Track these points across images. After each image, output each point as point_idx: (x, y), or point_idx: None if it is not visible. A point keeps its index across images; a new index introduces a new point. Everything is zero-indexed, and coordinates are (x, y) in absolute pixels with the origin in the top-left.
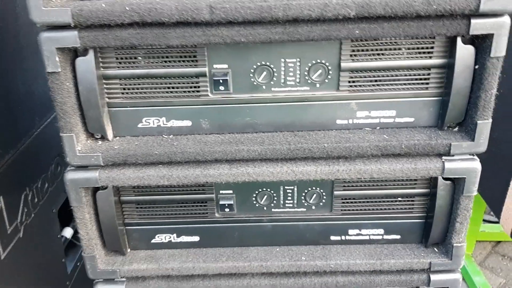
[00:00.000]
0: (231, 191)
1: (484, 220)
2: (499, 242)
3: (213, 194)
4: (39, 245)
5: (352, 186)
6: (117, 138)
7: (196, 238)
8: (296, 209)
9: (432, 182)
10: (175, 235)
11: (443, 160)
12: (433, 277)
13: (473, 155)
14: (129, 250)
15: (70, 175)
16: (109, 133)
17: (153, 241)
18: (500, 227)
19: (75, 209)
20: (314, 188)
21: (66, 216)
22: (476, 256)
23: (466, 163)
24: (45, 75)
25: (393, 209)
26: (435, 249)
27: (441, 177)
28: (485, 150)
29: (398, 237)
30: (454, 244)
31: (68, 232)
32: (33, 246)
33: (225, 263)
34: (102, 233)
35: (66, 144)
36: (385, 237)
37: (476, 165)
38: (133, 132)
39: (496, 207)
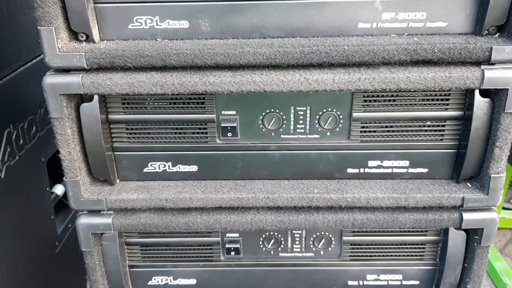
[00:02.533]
0: (234, 112)
1: (504, 208)
2: None
3: (213, 114)
4: (23, 193)
5: (374, 105)
6: (105, 41)
7: (194, 168)
8: (308, 136)
9: (467, 101)
10: (170, 163)
11: (482, 68)
12: (466, 216)
13: None
14: (118, 180)
15: (49, 79)
16: (95, 33)
17: (145, 170)
18: None
19: (55, 121)
20: (329, 110)
21: (59, 173)
22: (495, 243)
23: (509, 71)
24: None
25: (421, 136)
26: (468, 184)
27: (478, 92)
28: None
29: (425, 170)
30: (492, 175)
31: (59, 189)
32: (16, 191)
33: (226, 194)
34: (87, 157)
35: (44, 40)
36: (410, 170)
37: None
38: (123, 34)
39: None
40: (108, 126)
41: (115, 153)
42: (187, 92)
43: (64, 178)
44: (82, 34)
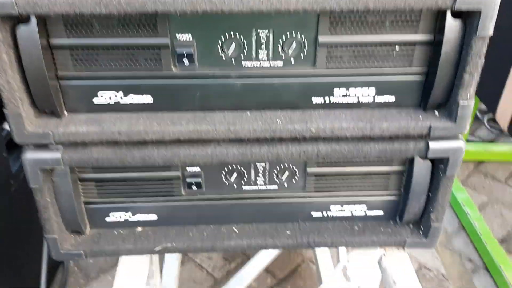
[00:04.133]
0: (190, 36)
1: (467, 140)
2: (482, 162)
3: (167, 38)
4: None
5: (341, 29)
6: None
7: (148, 99)
8: (271, 62)
9: (438, 24)
10: (121, 93)
11: None
12: (432, 144)
13: None
14: (66, 112)
15: None
16: None
17: (95, 100)
18: (484, 146)
19: None
20: (294, 33)
21: None
22: (458, 175)
23: None
24: None
25: (388, 62)
26: (435, 112)
27: (450, 13)
28: None
29: (392, 98)
30: (461, 102)
31: None
32: None
33: (184, 126)
34: (29, 86)
35: None
36: (377, 98)
37: None
38: None
39: (491, 101)
40: (50, 52)
41: (60, 81)
42: (135, 12)
43: (4, 110)
44: None
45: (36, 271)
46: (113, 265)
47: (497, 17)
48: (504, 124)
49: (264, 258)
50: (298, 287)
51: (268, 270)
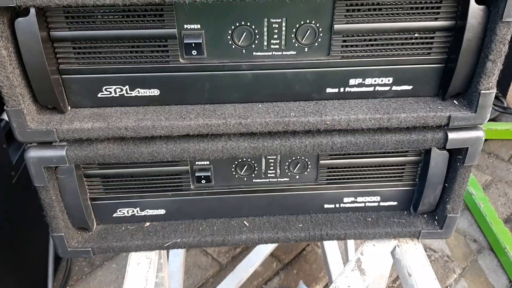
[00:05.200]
0: (198, 26)
1: None
2: (486, 140)
3: (174, 29)
4: None
5: (358, 16)
6: None
7: (155, 92)
8: (283, 52)
9: (460, 9)
10: (127, 87)
11: None
12: (451, 135)
13: None
14: (69, 107)
15: None
16: None
17: (100, 95)
18: (487, 125)
19: None
20: (308, 21)
21: None
22: None
23: None
24: None
25: (407, 50)
26: (454, 101)
27: (473, 1)
28: None
29: (410, 87)
30: (482, 91)
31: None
32: None
33: (193, 120)
34: (29, 82)
35: None
36: (394, 88)
37: None
38: None
39: (502, 85)
40: (51, 45)
41: (62, 76)
42: (140, 1)
43: (5, 107)
44: None
45: (41, 261)
46: (117, 253)
47: None
48: None
49: None
50: (304, 271)
51: (273, 255)
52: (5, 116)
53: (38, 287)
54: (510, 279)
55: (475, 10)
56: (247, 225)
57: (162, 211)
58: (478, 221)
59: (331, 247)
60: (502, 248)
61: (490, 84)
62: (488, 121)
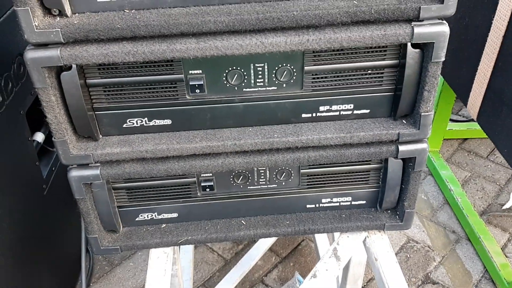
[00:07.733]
0: (200, 71)
1: (451, 120)
2: (465, 139)
3: (182, 74)
4: (9, 146)
5: (322, 59)
6: (76, 14)
7: (168, 121)
8: (267, 88)
9: (401, 52)
10: (146, 119)
11: (412, 25)
12: (401, 147)
13: (441, 19)
14: (101, 136)
15: (30, 54)
16: (67, 8)
17: (125, 125)
18: (467, 125)
19: (40, 91)
20: (284, 64)
21: (36, 121)
22: (443, 153)
23: (434, 27)
24: None
25: (363, 83)
26: (403, 121)
27: (410, 45)
28: (453, 12)
29: (367, 111)
30: (422, 114)
31: (39, 137)
32: (2, 147)
33: (198, 143)
34: (71, 118)
35: (21, 19)
36: (355, 112)
37: (445, 28)
38: (93, 7)
39: (463, 93)
40: (87, 90)
41: (96, 112)
42: (156, 59)
43: (53, 139)
44: (55, 10)
45: (69, 260)
46: (134, 253)
47: (468, 18)
48: (474, 115)
49: (268, 239)
50: (300, 263)
51: (272, 250)
52: (36, 137)
53: (67, 282)
54: (484, 265)
55: (411, 53)
56: (244, 223)
57: (175, 215)
58: (456, 214)
59: (322, 242)
60: (477, 238)
61: (428, 107)
62: (469, 121)
